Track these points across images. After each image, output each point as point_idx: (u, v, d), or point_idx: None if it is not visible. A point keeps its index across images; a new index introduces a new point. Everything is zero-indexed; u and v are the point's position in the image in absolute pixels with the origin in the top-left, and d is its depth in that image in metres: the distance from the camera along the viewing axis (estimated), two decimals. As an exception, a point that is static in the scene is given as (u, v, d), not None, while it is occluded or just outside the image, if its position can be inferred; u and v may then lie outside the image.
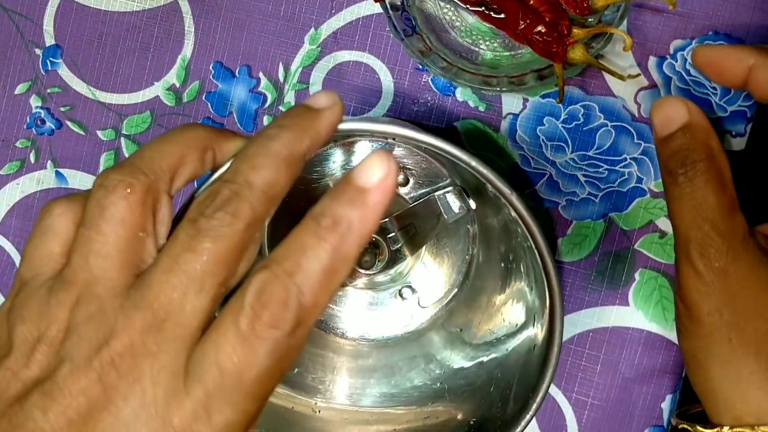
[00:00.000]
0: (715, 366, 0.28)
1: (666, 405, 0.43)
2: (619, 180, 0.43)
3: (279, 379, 0.22)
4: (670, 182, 0.29)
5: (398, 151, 0.39)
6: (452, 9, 0.42)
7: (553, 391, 0.44)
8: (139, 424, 0.21)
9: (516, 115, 0.43)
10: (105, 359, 0.22)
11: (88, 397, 0.22)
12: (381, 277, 0.41)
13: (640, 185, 0.43)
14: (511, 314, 0.39)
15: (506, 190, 0.30)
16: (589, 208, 0.43)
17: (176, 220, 0.24)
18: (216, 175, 0.27)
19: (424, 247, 0.39)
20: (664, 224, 0.43)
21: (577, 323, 0.44)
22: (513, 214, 0.30)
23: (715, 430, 0.29)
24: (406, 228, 0.37)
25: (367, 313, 0.42)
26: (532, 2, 0.37)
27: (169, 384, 0.22)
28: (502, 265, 0.39)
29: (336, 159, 0.40)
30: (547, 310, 0.32)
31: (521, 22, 0.37)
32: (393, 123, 0.30)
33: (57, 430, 0.21)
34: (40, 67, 0.47)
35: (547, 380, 0.32)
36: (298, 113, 0.25)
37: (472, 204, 0.37)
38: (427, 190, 0.39)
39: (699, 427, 0.30)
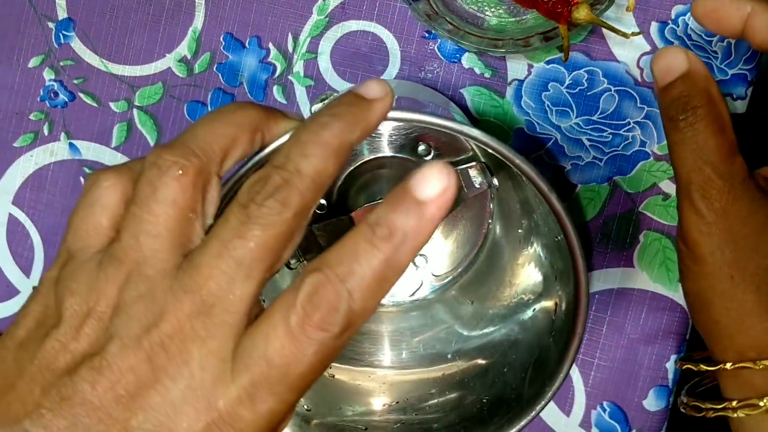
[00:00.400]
0: (718, 303, 0.29)
1: (670, 365, 0.44)
2: (623, 144, 0.44)
3: (321, 374, 0.23)
4: (671, 128, 0.30)
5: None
6: (458, -23, 0.42)
7: (560, 352, 0.44)
8: (186, 405, 0.22)
9: (521, 81, 0.44)
10: (155, 340, 0.22)
11: (137, 375, 0.22)
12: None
13: (643, 149, 0.43)
14: (525, 289, 0.39)
15: (542, 185, 0.31)
16: (594, 172, 0.44)
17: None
18: (263, 154, 0.27)
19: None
20: (668, 187, 0.43)
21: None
22: (537, 193, 0.31)
23: (718, 366, 0.30)
24: None
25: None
26: None
27: (216, 369, 0.22)
28: (519, 241, 0.40)
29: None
30: (570, 293, 0.33)
31: None
32: (431, 114, 0.30)
33: (105, 405, 0.22)
34: (53, 40, 0.48)
35: (565, 369, 0.33)
36: (351, 102, 0.25)
37: (495, 182, 0.37)
38: (449, 161, 0.39)
39: (703, 366, 0.31)
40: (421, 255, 0.43)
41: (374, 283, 0.22)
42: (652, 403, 0.44)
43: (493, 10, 0.42)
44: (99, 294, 0.23)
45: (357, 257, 0.22)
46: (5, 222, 0.49)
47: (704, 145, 0.29)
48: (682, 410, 0.33)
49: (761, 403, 0.29)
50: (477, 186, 0.37)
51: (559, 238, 0.32)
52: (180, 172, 0.23)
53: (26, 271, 0.49)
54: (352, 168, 0.41)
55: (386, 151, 0.41)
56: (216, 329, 0.22)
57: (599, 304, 0.44)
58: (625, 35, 0.39)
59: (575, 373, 0.45)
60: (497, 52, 0.40)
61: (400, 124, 0.38)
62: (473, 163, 0.38)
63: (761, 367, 0.29)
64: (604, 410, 0.44)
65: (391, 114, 0.27)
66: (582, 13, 0.38)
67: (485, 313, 0.42)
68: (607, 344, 0.44)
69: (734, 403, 0.30)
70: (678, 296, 0.44)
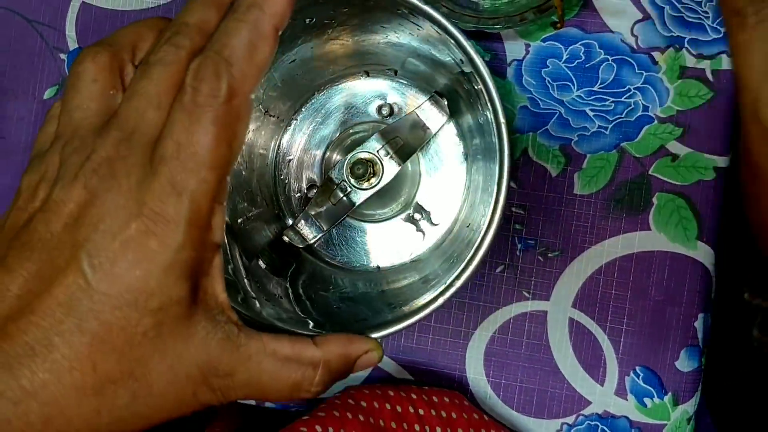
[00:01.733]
0: None
1: (699, 324, 0.44)
2: (626, 110, 0.44)
3: (228, 148, 0.26)
4: (736, 25, 0.26)
5: (381, 84, 0.42)
6: (449, -33, 0.44)
7: (588, 322, 0.45)
8: (119, 210, 0.25)
9: (520, 61, 0.45)
10: (87, 170, 0.26)
11: (76, 201, 0.26)
12: (390, 208, 0.42)
13: (646, 113, 0.44)
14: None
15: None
16: (601, 141, 0.45)
17: None
18: None
19: (416, 155, 0.41)
20: (675, 147, 0.44)
21: (602, 254, 0.45)
22: (479, 87, 0.32)
23: None
24: (392, 141, 0.39)
25: (382, 242, 0.43)
26: None
27: (139, 174, 0.26)
28: (480, 158, 0.40)
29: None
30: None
31: None
32: None
33: (56, 234, 0.26)
34: (66, 71, 0.49)
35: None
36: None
37: (446, 105, 0.39)
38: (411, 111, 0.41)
39: None
40: (418, 210, 0.43)
41: (246, 49, 0.26)
42: (685, 363, 0.44)
43: (485, -7, 0.44)
44: (47, 164, 0.28)
45: (227, 33, 0.26)
46: (32, 250, 0.50)
47: None
48: (755, 345, 0.32)
49: None
50: (438, 119, 0.39)
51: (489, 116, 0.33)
52: (96, 56, 0.29)
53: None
54: (331, 141, 0.43)
55: (355, 119, 0.43)
56: (135, 148, 0.26)
57: (620, 270, 0.45)
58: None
59: (605, 342, 0.45)
60: (494, 29, 0.41)
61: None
62: (425, 99, 0.39)
63: None
64: (638, 375, 0.44)
65: None
66: None
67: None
68: (633, 309, 0.45)
69: None
70: (698, 254, 0.44)
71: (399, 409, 0.41)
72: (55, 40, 0.50)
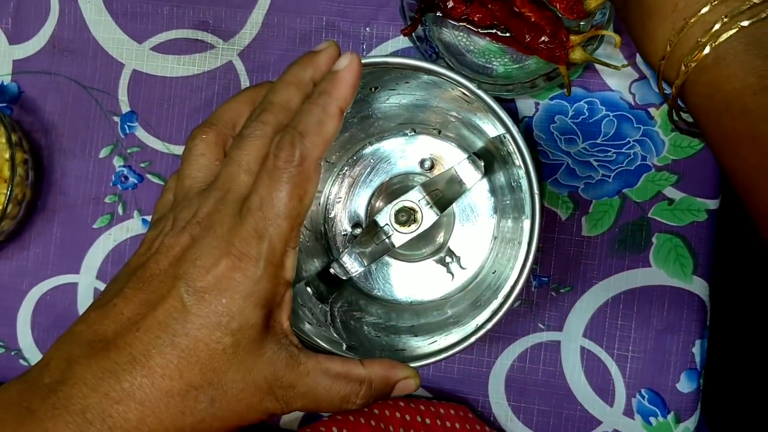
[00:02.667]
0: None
1: (696, 349, 0.49)
2: (626, 160, 0.50)
3: (300, 202, 0.32)
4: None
5: (426, 141, 0.47)
6: (465, 35, 0.50)
7: (597, 350, 0.50)
8: (213, 250, 0.32)
9: (530, 118, 0.51)
10: (192, 223, 0.33)
11: (181, 244, 0.33)
12: (424, 250, 0.47)
13: (645, 162, 0.50)
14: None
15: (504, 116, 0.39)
16: (605, 188, 0.50)
17: None
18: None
19: (452, 207, 0.46)
20: (671, 192, 0.50)
21: (608, 288, 0.50)
22: (512, 149, 0.38)
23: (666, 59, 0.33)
24: (432, 193, 0.44)
25: (414, 280, 0.48)
26: (533, 18, 0.45)
27: (230, 222, 0.32)
28: (509, 213, 0.46)
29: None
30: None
31: (527, 36, 0.45)
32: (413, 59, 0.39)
33: (163, 270, 0.33)
34: (119, 131, 0.55)
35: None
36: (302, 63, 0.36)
37: (482, 165, 0.44)
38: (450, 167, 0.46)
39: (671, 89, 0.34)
40: (449, 254, 0.48)
41: (316, 125, 0.32)
42: (685, 385, 0.49)
43: (498, 60, 0.49)
44: (164, 223, 0.35)
45: (303, 112, 0.33)
46: (91, 295, 0.55)
47: None
48: (681, 130, 0.38)
49: (703, 41, 0.31)
50: (473, 175, 0.44)
51: (521, 180, 0.39)
52: (204, 135, 0.36)
53: (114, 335, 0.55)
54: (378, 187, 0.48)
55: (400, 170, 0.48)
56: (229, 202, 0.33)
57: (625, 303, 0.50)
58: (616, 68, 0.45)
59: (613, 367, 0.50)
60: (509, 95, 0.47)
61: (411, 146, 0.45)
62: (464, 159, 0.44)
63: (690, 25, 0.32)
64: (643, 397, 0.50)
65: (365, 60, 0.38)
66: (577, 54, 0.44)
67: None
68: (638, 338, 0.50)
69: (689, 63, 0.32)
70: (694, 287, 0.49)
71: (408, 417, 0.46)
72: (109, 105, 0.55)
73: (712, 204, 0.49)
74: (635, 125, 0.50)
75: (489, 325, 0.38)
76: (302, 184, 0.32)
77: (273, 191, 0.32)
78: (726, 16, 0.31)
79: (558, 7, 0.44)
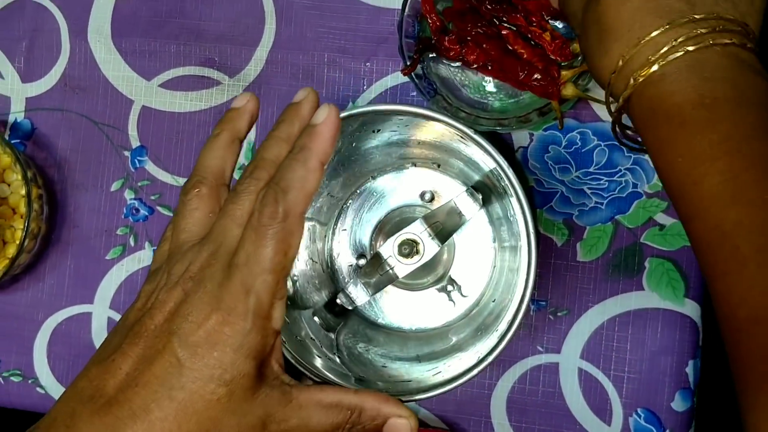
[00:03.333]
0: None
1: (690, 369, 0.51)
2: (618, 188, 0.52)
3: (285, 256, 0.34)
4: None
5: (425, 174, 0.49)
6: (461, 71, 0.52)
7: (594, 371, 0.52)
8: (204, 305, 0.33)
9: (525, 148, 0.53)
10: (185, 277, 0.34)
11: (175, 300, 0.34)
12: (427, 279, 0.49)
13: (636, 189, 0.52)
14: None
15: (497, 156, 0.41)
16: (598, 214, 0.52)
17: None
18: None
19: (452, 238, 0.48)
20: (661, 218, 0.51)
21: (604, 311, 0.52)
22: (506, 183, 0.40)
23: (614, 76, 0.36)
24: (433, 225, 0.46)
25: (417, 308, 0.50)
26: (525, 56, 0.47)
27: (220, 277, 0.33)
28: (506, 242, 0.48)
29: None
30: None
31: (520, 73, 0.47)
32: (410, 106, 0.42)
33: (158, 326, 0.34)
34: (130, 165, 0.57)
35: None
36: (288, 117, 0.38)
37: (480, 197, 0.46)
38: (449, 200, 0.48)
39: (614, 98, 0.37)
40: (450, 282, 0.50)
41: (298, 181, 0.34)
42: (679, 404, 0.51)
43: (494, 95, 0.51)
44: (160, 277, 0.36)
45: (284, 168, 0.34)
46: (105, 325, 0.57)
47: None
48: (620, 140, 0.41)
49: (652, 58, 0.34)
50: (471, 207, 0.46)
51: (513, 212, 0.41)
52: (196, 190, 0.37)
53: (128, 363, 0.57)
54: (381, 219, 0.50)
55: (401, 202, 0.50)
56: (220, 256, 0.34)
57: (620, 325, 0.52)
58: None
59: (610, 388, 0.52)
60: (503, 130, 0.49)
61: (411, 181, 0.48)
62: (462, 191, 0.46)
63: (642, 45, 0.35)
64: (639, 416, 0.52)
65: (361, 110, 0.40)
66: (569, 90, 0.46)
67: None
68: (633, 359, 0.52)
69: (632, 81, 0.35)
70: (686, 309, 0.51)
71: None
72: (119, 140, 0.57)
73: (702, 229, 0.51)
74: (626, 154, 0.52)
75: (491, 358, 0.40)
76: (286, 239, 0.33)
77: (258, 247, 0.33)
78: (675, 40, 0.34)
79: (547, 48, 0.47)
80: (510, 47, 0.48)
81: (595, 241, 0.52)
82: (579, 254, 0.52)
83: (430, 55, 0.51)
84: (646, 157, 0.52)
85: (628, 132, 0.41)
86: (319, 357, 0.44)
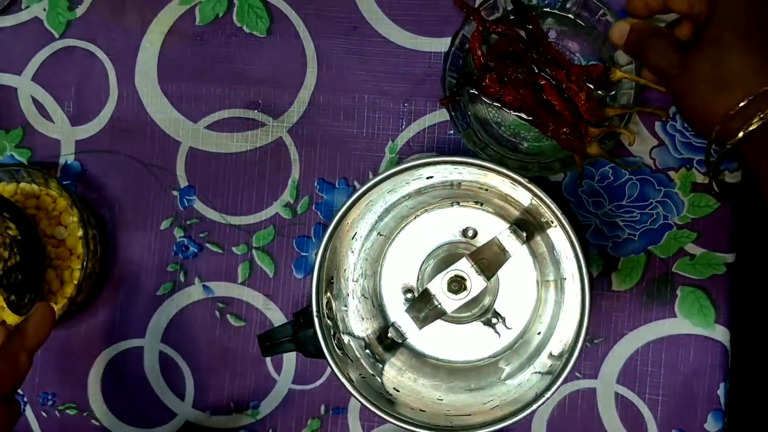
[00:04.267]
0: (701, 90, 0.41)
1: (721, 391, 0.54)
2: (650, 220, 0.55)
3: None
4: (638, 53, 0.45)
5: (468, 212, 0.52)
6: (496, 109, 0.54)
7: (630, 395, 0.55)
8: None
9: (560, 183, 0.55)
10: None
11: None
12: (472, 312, 0.52)
13: (667, 221, 0.54)
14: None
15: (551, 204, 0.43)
16: (631, 246, 0.55)
17: None
18: None
19: (497, 273, 0.50)
20: (692, 248, 0.54)
21: (638, 338, 0.55)
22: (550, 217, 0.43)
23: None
24: (479, 262, 0.48)
25: (464, 340, 0.53)
26: (557, 107, 0.50)
27: None
28: (549, 276, 0.51)
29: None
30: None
31: (550, 124, 0.50)
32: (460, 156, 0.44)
33: None
34: (179, 204, 0.59)
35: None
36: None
37: (523, 234, 0.48)
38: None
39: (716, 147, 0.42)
40: (495, 315, 0.52)
41: (11, 365, 0.44)
42: (711, 424, 0.54)
43: (524, 134, 0.54)
44: None
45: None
46: (157, 358, 0.59)
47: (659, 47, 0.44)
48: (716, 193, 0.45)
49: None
50: (515, 244, 0.48)
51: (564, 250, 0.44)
52: None
53: (181, 396, 0.59)
54: (427, 255, 0.53)
55: (445, 239, 0.53)
56: None
57: (654, 351, 0.55)
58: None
59: (645, 410, 0.54)
60: (528, 173, 0.51)
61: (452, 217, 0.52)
62: (505, 230, 0.48)
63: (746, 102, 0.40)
64: (674, 437, 0.54)
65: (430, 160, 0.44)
66: (593, 149, 0.49)
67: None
68: (667, 383, 0.54)
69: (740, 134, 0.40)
70: (717, 334, 0.54)
71: None
72: (168, 180, 0.59)
73: (730, 258, 0.54)
74: (656, 187, 0.54)
75: (549, 393, 0.42)
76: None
77: None
78: None
79: (580, 106, 0.49)
80: (545, 97, 0.50)
81: (629, 271, 0.55)
82: (614, 284, 0.55)
83: (470, 90, 0.54)
84: (676, 189, 0.54)
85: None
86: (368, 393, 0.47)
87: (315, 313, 0.45)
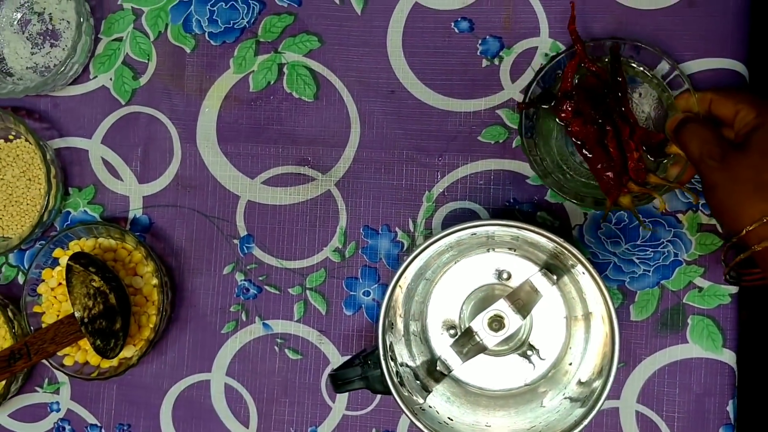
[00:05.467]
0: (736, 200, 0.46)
1: (730, 408, 0.61)
2: (662, 257, 0.61)
3: None
4: (681, 141, 0.51)
5: (501, 257, 0.58)
6: (560, 131, 0.61)
7: (649, 413, 0.61)
8: None
9: (581, 225, 0.62)
10: None
11: None
12: (509, 346, 0.59)
13: (677, 258, 0.61)
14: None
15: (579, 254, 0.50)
16: (646, 280, 0.62)
17: None
18: None
19: (531, 311, 0.57)
20: (700, 282, 0.61)
21: (655, 362, 0.61)
22: (577, 266, 0.50)
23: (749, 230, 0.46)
24: (515, 302, 0.55)
25: (502, 371, 0.60)
26: (612, 153, 0.56)
27: None
28: (578, 313, 0.57)
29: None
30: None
31: (599, 165, 0.56)
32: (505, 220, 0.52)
33: None
34: (239, 251, 0.66)
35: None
36: None
37: (554, 277, 0.55)
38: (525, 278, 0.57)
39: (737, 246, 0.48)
40: (530, 348, 0.59)
41: None
42: (723, 438, 0.61)
43: (578, 159, 0.61)
44: None
45: None
46: (223, 390, 0.66)
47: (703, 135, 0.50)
48: (729, 281, 0.51)
49: None
50: (546, 286, 0.55)
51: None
52: None
53: (245, 424, 0.66)
54: (467, 296, 0.59)
55: (482, 281, 0.59)
56: None
57: (669, 373, 0.61)
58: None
59: (663, 426, 0.61)
60: (562, 195, 0.58)
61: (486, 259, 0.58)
62: (536, 272, 0.55)
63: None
64: (690, 450, 0.61)
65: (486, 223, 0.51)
66: (626, 201, 0.56)
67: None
68: (682, 401, 0.61)
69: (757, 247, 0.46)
70: (724, 357, 0.61)
71: None
72: (228, 230, 0.66)
73: (733, 290, 0.61)
74: (667, 228, 0.61)
75: (585, 421, 0.49)
76: None
77: None
78: None
79: (629, 163, 0.56)
80: (605, 141, 0.56)
81: (644, 303, 0.62)
82: (632, 315, 0.62)
83: (545, 107, 0.59)
84: (684, 230, 0.61)
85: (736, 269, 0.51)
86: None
87: (382, 356, 0.52)
